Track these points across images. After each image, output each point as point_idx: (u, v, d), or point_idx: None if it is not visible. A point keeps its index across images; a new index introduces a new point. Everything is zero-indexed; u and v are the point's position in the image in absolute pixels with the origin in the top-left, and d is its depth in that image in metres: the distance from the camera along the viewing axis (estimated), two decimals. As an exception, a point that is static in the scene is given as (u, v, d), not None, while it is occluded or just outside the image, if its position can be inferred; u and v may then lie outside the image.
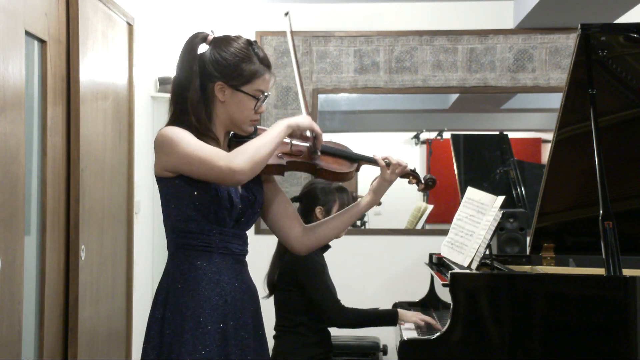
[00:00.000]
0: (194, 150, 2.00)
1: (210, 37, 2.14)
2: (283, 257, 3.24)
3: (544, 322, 2.55)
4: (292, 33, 2.39)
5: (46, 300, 3.20)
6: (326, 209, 3.27)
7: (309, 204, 3.31)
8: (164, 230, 2.18)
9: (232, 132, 2.20)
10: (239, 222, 2.14)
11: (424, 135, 6.40)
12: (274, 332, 3.30)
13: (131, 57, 4.26)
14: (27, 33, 3.02)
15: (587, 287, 2.58)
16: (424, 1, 5.10)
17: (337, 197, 3.30)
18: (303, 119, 2.13)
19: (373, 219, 5.89)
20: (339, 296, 3.23)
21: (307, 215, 3.24)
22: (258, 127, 2.21)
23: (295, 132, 2.13)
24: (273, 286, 3.26)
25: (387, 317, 3.20)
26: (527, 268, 3.30)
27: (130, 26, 4.25)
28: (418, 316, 3.16)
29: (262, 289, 3.33)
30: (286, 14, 2.37)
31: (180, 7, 5.07)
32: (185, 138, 2.02)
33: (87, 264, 3.53)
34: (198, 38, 2.13)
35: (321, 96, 5.17)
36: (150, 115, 4.81)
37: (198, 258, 2.08)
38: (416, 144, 6.54)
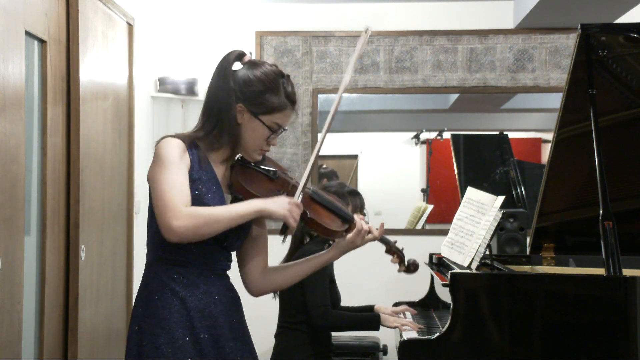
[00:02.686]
0: (163, 184, 1.97)
1: (246, 58, 2.13)
2: (293, 255, 3.25)
3: (544, 322, 2.55)
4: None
5: (46, 300, 3.20)
6: None
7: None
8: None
9: (239, 155, 2.17)
10: (222, 245, 2.11)
11: (424, 135, 6.40)
12: (275, 331, 3.30)
13: (131, 57, 4.26)
14: (27, 33, 3.02)
15: (587, 287, 2.58)
16: (424, 1, 5.10)
17: (350, 200, 3.30)
18: (279, 208, 2.02)
19: (373, 219, 5.89)
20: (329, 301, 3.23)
21: None
22: (267, 156, 2.19)
23: (264, 217, 2.05)
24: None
25: (370, 323, 3.20)
26: (527, 268, 3.30)
27: (130, 26, 4.25)
28: (399, 321, 3.15)
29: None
30: (366, 30, 2.16)
31: (180, 7, 5.07)
32: (168, 166, 1.99)
33: (87, 264, 3.53)
34: (233, 56, 2.12)
35: (321, 96, 5.17)
36: (150, 115, 4.81)
37: (175, 272, 2.05)
38: (416, 144, 6.53)
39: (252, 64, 2.11)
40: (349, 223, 2.21)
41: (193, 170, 2.05)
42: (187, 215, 1.93)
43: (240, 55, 2.13)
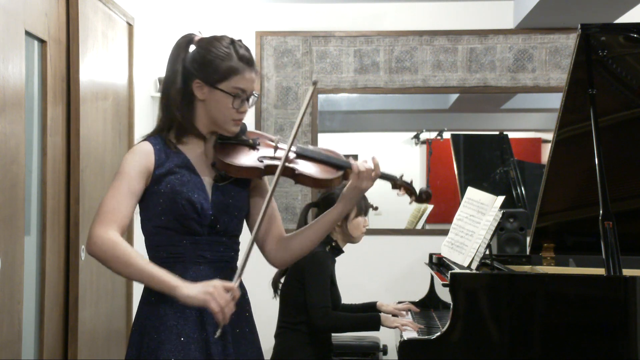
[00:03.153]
0: (107, 193, 2.00)
1: (196, 38, 2.11)
2: None
3: (544, 322, 2.55)
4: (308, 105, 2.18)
5: (46, 300, 3.20)
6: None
7: (326, 210, 3.30)
8: None
9: (218, 134, 2.13)
10: (215, 228, 2.07)
11: (424, 135, 6.40)
12: (275, 331, 3.30)
13: (131, 57, 4.26)
14: (27, 33, 3.02)
15: (587, 287, 2.58)
16: (424, 1, 5.10)
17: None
18: (196, 295, 1.87)
19: (373, 219, 5.89)
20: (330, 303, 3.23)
21: None
22: (248, 130, 2.15)
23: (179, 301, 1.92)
24: (276, 285, 3.29)
25: (370, 323, 3.19)
26: (527, 268, 3.30)
27: (130, 26, 4.25)
28: (399, 321, 3.15)
29: (265, 290, 3.34)
30: (314, 83, 2.18)
31: (180, 7, 5.07)
32: (118, 177, 2.01)
33: (87, 264, 3.53)
34: (185, 40, 2.11)
35: (321, 96, 5.17)
36: (150, 115, 4.80)
37: (172, 269, 1.99)
38: (416, 144, 6.54)
39: (202, 41, 2.10)
40: (344, 168, 2.13)
41: (161, 167, 2.03)
42: (106, 241, 1.92)
43: (190, 40, 2.11)
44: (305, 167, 2.12)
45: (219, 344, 2.03)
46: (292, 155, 2.11)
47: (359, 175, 2.09)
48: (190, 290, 1.89)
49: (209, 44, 2.08)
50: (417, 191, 2.20)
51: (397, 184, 2.20)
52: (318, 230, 2.17)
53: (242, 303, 2.13)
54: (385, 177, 2.17)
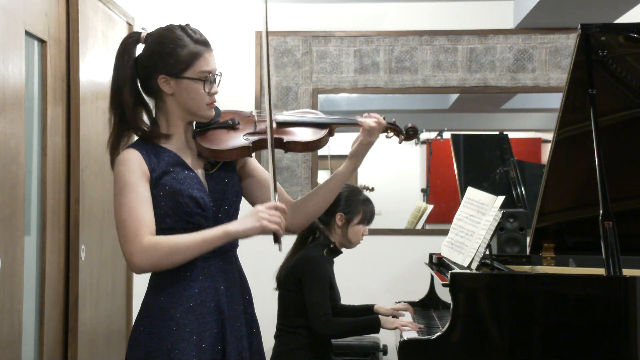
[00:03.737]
0: (122, 211, 1.95)
1: (143, 35, 2.07)
2: (294, 256, 3.25)
3: (544, 322, 2.55)
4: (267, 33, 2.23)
5: (46, 300, 3.20)
6: (347, 217, 3.26)
7: (330, 208, 3.30)
8: None
9: (194, 123, 2.11)
10: (218, 219, 2.06)
11: (424, 135, 6.40)
12: (274, 332, 3.30)
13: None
14: (27, 33, 3.02)
15: (587, 287, 2.58)
16: (424, 1, 5.10)
17: (362, 209, 3.27)
18: (250, 224, 1.93)
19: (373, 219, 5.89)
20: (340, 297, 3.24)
21: (327, 218, 3.24)
22: (222, 110, 2.12)
23: (241, 236, 1.97)
24: (280, 281, 3.27)
25: (370, 326, 3.18)
26: (527, 268, 3.30)
27: (130, 26, 4.25)
28: (398, 322, 3.14)
29: (271, 281, 3.32)
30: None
31: (180, 7, 5.07)
32: (123, 190, 1.97)
33: (87, 264, 3.53)
34: (132, 39, 2.06)
35: (321, 96, 5.17)
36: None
37: (182, 267, 2.00)
38: (416, 144, 6.54)
39: (150, 36, 2.05)
40: (327, 126, 2.16)
41: (155, 170, 2.01)
42: (147, 249, 1.90)
43: (137, 39, 2.06)
44: (292, 134, 2.12)
45: (234, 344, 2.04)
46: (274, 125, 2.10)
47: (371, 130, 2.15)
48: (241, 225, 1.93)
49: (160, 37, 2.03)
50: (403, 130, 2.24)
51: (390, 127, 2.23)
52: (331, 189, 2.20)
53: (249, 302, 2.16)
54: (389, 125, 2.22)
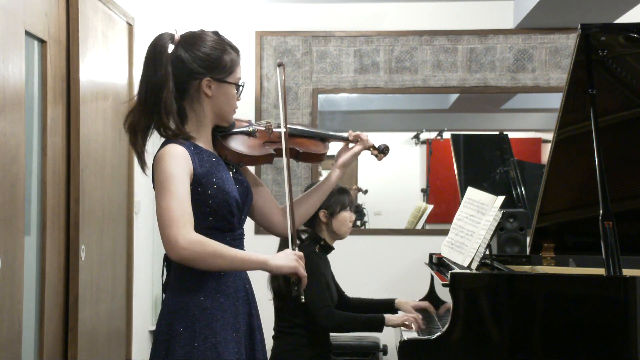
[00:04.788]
0: (169, 198, 1.96)
1: (176, 37, 2.14)
2: None
3: (544, 322, 2.55)
4: (284, 82, 2.36)
5: (46, 300, 3.20)
6: (330, 211, 3.31)
7: None
8: None
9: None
10: (241, 220, 2.17)
11: (424, 135, 6.40)
12: (272, 333, 3.30)
13: (131, 57, 4.25)
14: (27, 33, 3.02)
15: (587, 287, 2.58)
16: (424, 1, 5.10)
17: (338, 198, 3.32)
18: (286, 263, 2.03)
19: (373, 219, 5.90)
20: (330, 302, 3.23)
21: (311, 220, 3.24)
22: (235, 119, 2.22)
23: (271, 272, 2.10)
24: (279, 289, 3.25)
25: (374, 324, 3.18)
26: (527, 268, 3.30)
27: (130, 26, 4.25)
28: (403, 317, 3.14)
29: (265, 289, 3.33)
30: (279, 64, 2.32)
31: (180, 7, 5.07)
32: (171, 180, 1.98)
33: (87, 264, 3.53)
34: (165, 39, 2.11)
35: (321, 96, 5.17)
36: (150, 115, 4.80)
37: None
38: (416, 144, 6.54)
39: (188, 39, 2.12)
40: (327, 140, 2.35)
41: (200, 168, 2.05)
42: (195, 241, 1.94)
43: (171, 37, 2.12)
44: (305, 146, 2.28)
45: (251, 342, 2.14)
46: (291, 138, 2.25)
47: (364, 141, 2.35)
48: (278, 261, 2.03)
49: (201, 41, 2.11)
50: (377, 147, 2.41)
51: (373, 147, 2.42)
52: (320, 194, 2.33)
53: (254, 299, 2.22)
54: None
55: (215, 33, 2.15)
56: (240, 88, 2.16)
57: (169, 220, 1.94)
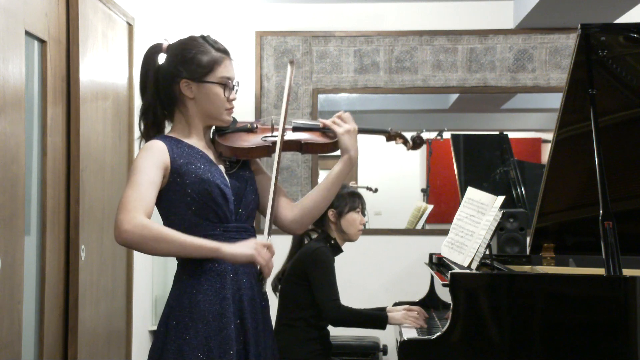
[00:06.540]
0: (128, 185, 2.00)
1: (165, 45, 2.18)
2: (293, 256, 3.32)
3: (544, 322, 2.55)
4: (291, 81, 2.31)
5: (46, 300, 3.20)
6: (338, 211, 3.32)
7: None
8: None
9: (213, 127, 2.24)
10: (239, 214, 2.15)
11: (424, 135, 6.39)
12: (274, 328, 3.31)
13: (131, 57, 4.25)
14: (27, 33, 3.02)
15: (587, 287, 2.58)
16: (424, 1, 5.10)
17: (348, 200, 3.33)
18: (242, 252, 1.96)
19: (373, 219, 5.89)
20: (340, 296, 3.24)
21: (320, 220, 3.28)
22: (238, 121, 2.24)
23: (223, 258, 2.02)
24: (278, 280, 3.32)
25: (377, 321, 3.19)
26: (527, 268, 3.30)
27: (130, 26, 4.25)
28: (405, 317, 3.14)
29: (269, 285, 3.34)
30: (291, 62, 2.30)
31: (181, 7, 5.07)
32: (136, 169, 2.01)
33: (87, 264, 3.53)
34: (153, 51, 2.19)
35: (321, 96, 5.17)
36: (150, 115, 4.80)
37: (208, 261, 2.07)
38: (416, 144, 6.52)
39: (172, 46, 2.17)
40: (332, 131, 2.29)
41: (178, 159, 2.08)
42: (139, 224, 1.92)
43: (159, 49, 2.18)
44: (308, 137, 2.27)
45: (255, 337, 2.13)
46: (290, 130, 2.27)
47: (349, 132, 2.24)
48: (234, 249, 1.97)
49: (183, 45, 2.15)
50: (410, 139, 2.45)
51: (391, 135, 2.47)
52: (329, 187, 2.24)
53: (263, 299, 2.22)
54: (374, 131, 2.49)
55: (201, 36, 2.17)
56: (235, 87, 2.16)
57: (120, 206, 1.96)
